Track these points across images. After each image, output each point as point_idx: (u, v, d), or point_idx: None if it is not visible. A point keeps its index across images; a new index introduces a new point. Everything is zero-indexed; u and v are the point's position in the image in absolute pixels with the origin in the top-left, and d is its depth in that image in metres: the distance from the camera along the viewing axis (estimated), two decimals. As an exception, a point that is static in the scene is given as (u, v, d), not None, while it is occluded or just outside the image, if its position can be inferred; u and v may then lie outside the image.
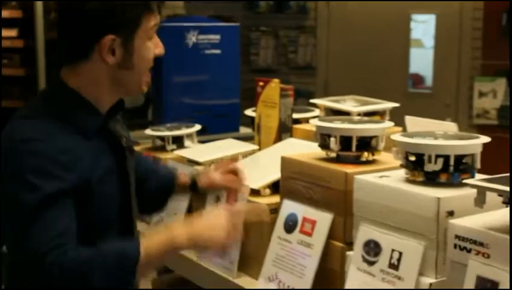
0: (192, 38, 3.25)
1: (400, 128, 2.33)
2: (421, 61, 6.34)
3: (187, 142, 2.79)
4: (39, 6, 5.03)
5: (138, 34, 1.58)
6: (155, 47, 1.63)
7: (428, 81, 6.32)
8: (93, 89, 1.60)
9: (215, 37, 3.34)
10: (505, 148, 5.36)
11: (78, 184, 1.51)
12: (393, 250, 1.59)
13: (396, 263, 1.57)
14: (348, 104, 2.54)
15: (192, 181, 1.99)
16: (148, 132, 2.84)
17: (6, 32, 7.03)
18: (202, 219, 1.63)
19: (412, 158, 1.64)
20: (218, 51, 3.36)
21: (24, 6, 6.20)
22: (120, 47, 1.56)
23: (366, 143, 1.90)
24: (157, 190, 1.98)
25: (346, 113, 2.46)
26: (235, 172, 1.97)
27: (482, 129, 5.45)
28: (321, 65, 6.30)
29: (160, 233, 1.59)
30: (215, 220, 1.62)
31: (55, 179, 1.47)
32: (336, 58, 6.24)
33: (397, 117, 2.57)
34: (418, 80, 6.49)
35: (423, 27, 6.73)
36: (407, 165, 1.65)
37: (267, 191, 2.12)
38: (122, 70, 1.59)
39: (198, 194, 2.06)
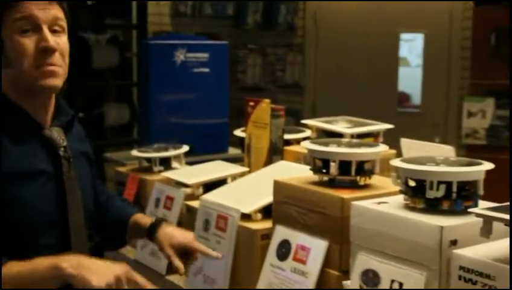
0: (180, 56, 3.17)
1: (393, 151, 2.27)
2: (407, 79, 6.30)
3: (174, 164, 2.73)
4: None
5: (4, 30, 1.54)
6: (38, 41, 1.55)
7: (415, 99, 6.28)
8: (11, 93, 1.59)
9: (204, 56, 3.27)
10: (495, 168, 5.31)
11: None
12: (393, 280, 1.51)
13: (396, 293, 1.50)
14: (341, 125, 2.48)
15: (151, 227, 1.81)
16: (135, 153, 2.77)
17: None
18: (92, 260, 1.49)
19: (413, 184, 1.57)
20: (206, 70, 3.29)
21: None
22: None
23: (362, 167, 1.84)
24: (112, 220, 1.90)
25: (338, 135, 2.39)
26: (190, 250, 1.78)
27: (471, 149, 5.41)
28: (309, 84, 6.25)
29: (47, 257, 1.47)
30: (105, 264, 1.48)
31: None
32: (324, 77, 6.19)
33: (386, 137, 2.51)
34: (403, 98, 6.45)
35: (409, 45, 6.71)
36: (407, 191, 1.58)
37: (259, 215, 2.07)
38: (6, 69, 1.56)
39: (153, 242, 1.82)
